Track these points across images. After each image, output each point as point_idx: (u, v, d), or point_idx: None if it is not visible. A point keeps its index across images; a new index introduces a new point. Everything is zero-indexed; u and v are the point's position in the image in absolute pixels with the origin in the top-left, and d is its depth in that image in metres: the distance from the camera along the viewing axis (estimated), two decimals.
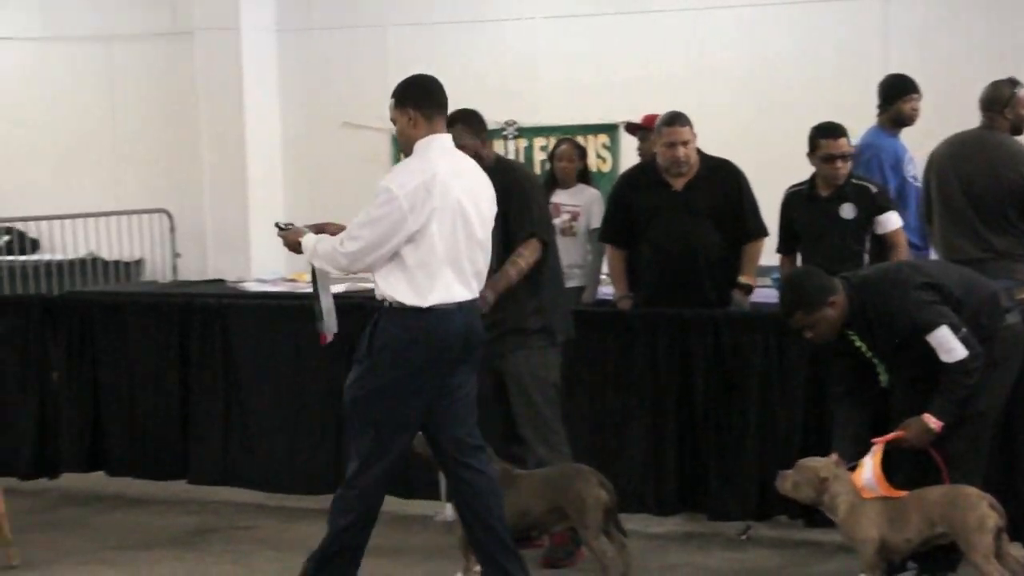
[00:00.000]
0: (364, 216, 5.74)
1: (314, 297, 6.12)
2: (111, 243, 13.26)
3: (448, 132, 6.09)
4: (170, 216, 13.76)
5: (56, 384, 8.28)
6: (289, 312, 7.97)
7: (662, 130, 7.58)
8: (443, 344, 5.77)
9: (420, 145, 5.86)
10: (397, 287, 5.75)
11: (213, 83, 13.26)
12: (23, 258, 12.95)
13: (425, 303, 5.73)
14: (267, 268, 12.41)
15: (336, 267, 5.92)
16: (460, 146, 6.75)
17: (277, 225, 6.14)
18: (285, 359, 7.81)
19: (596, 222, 8.76)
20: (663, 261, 7.54)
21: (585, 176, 9.08)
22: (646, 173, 7.80)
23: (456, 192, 5.77)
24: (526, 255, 6.66)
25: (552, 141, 10.82)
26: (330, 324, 6.14)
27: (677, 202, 7.55)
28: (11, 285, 12.29)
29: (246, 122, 13.19)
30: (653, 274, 7.60)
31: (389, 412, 5.80)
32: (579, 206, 8.84)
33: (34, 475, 8.34)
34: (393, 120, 5.95)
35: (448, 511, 7.45)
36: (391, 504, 7.70)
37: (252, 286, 10.56)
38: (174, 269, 13.69)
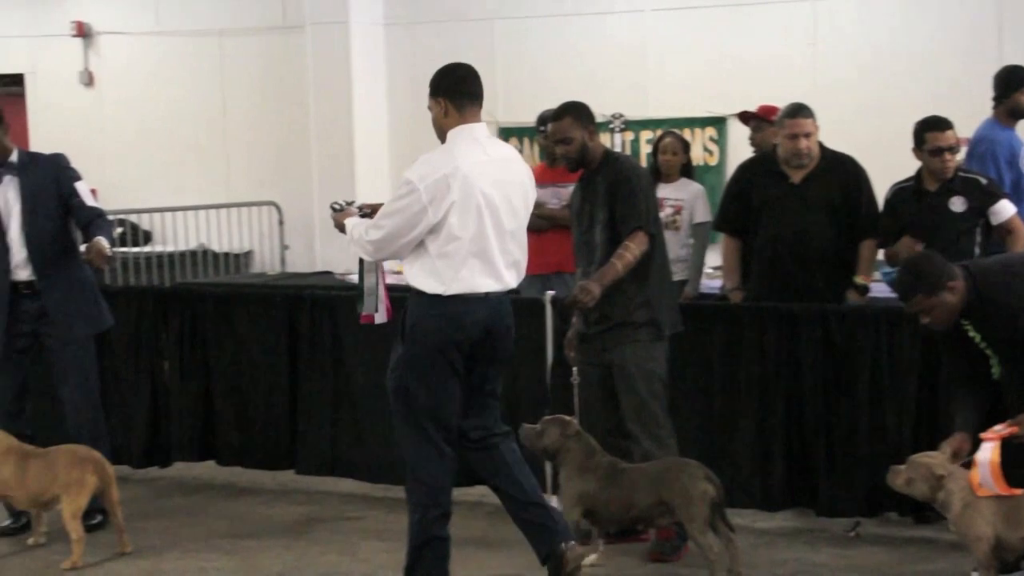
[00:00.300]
0: (387, 206, 5.86)
1: (359, 279, 6.29)
2: (221, 235, 13.41)
3: (557, 123, 6.06)
4: (279, 208, 13.88)
5: (167, 374, 8.37)
6: (396, 304, 8.00)
7: (784, 121, 7.52)
8: (463, 332, 5.86)
9: (451, 135, 5.93)
10: (420, 276, 5.89)
11: (322, 77, 13.35)
12: (135, 250, 13.11)
13: (446, 292, 5.82)
14: None
15: (365, 254, 6.04)
16: (568, 139, 6.77)
17: (332, 207, 6.25)
18: (392, 350, 7.83)
19: (699, 216, 8.75)
20: (776, 254, 7.49)
21: (688, 170, 9.03)
22: (765, 164, 7.75)
23: (480, 184, 5.82)
24: (632, 248, 6.62)
25: (659, 134, 10.76)
26: (369, 306, 6.29)
27: (794, 194, 7.49)
28: (124, 276, 12.46)
29: (354, 115, 13.27)
30: (765, 266, 7.55)
31: (423, 400, 5.92)
32: (682, 200, 8.80)
33: (147, 464, 8.45)
34: (429, 109, 6.00)
35: (555, 503, 7.44)
36: (495, 496, 7.74)
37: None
38: (282, 261, 13.80)
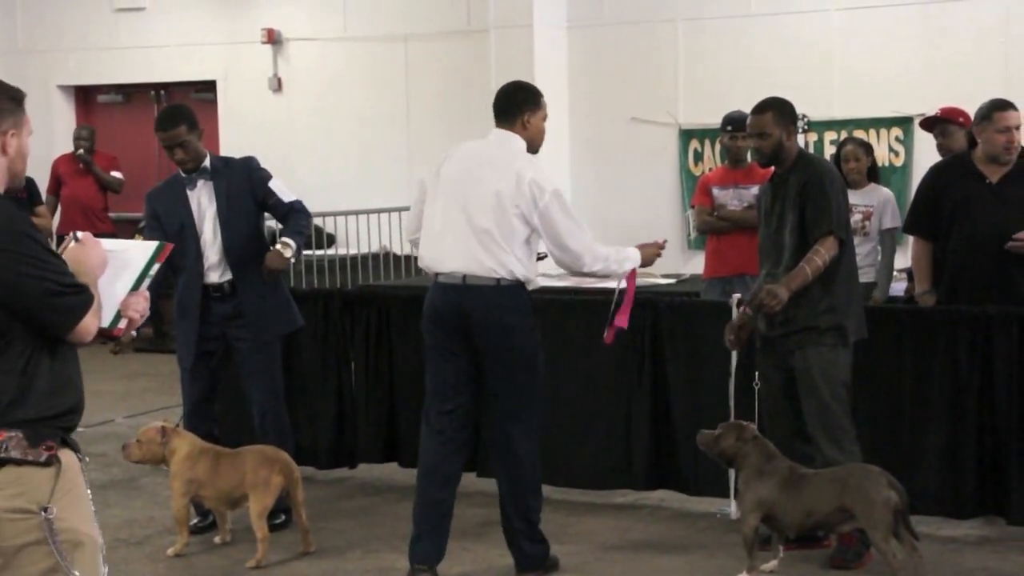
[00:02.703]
0: None
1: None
2: (403, 238, 13.51)
3: (758, 117, 6.76)
4: None
5: (353, 376, 8.46)
6: (575, 308, 8.02)
7: (993, 115, 7.35)
8: (431, 312, 6.58)
9: None
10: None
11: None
12: (320, 252, 13.30)
13: (425, 268, 6.65)
14: (554, 264, 12.48)
15: None
16: (765, 134, 6.73)
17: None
18: (573, 355, 7.83)
19: (888, 222, 8.62)
20: (972, 255, 7.31)
21: (874, 172, 8.89)
22: (960, 164, 7.57)
23: (453, 179, 6.60)
24: (822, 253, 6.55)
25: (843, 135, 10.59)
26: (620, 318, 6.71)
27: (991, 195, 7.33)
28: (307, 279, 12.66)
29: None
30: (960, 269, 7.37)
31: (427, 375, 6.66)
32: (872, 206, 8.68)
33: (333, 465, 8.53)
34: None
35: (733, 508, 7.38)
36: (675, 500, 7.72)
37: (539, 281, 10.58)
38: None
